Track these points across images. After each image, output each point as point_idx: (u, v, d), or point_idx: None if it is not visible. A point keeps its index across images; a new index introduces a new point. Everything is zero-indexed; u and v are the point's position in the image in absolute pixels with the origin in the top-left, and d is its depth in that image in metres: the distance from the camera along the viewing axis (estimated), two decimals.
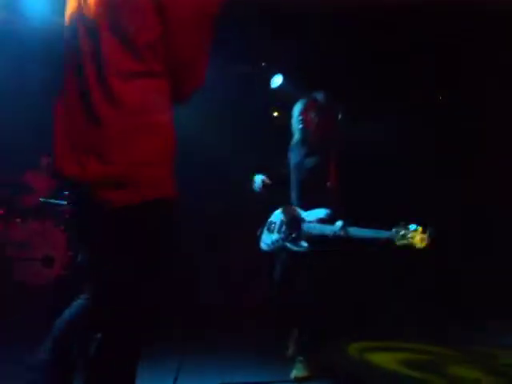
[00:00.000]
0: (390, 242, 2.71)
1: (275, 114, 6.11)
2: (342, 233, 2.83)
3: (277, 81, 5.60)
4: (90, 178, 1.36)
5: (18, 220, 4.89)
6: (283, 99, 5.54)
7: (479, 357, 3.70)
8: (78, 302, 1.88)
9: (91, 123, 1.39)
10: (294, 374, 3.02)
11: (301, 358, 3.05)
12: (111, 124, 1.38)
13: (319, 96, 3.26)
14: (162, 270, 1.43)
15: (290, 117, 3.38)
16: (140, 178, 1.37)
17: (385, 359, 3.56)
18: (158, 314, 1.46)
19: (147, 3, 1.39)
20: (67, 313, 1.89)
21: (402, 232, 2.66)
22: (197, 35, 1.46)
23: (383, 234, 2.74)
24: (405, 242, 2.64)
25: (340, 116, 3.33)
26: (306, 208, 3.12)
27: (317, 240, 2.97)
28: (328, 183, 3.06)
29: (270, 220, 3.34)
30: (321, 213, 3.03)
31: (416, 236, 2.62)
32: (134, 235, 1.38)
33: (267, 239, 3.27)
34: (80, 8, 1.47)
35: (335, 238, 2.86)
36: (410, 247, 2.63)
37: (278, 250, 3.21)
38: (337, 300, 3.77)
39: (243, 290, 5.30)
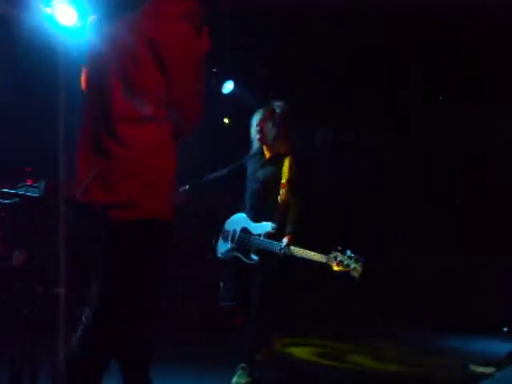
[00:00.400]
0: (326, 266, 2.79)
1: (226, 120, 6.13)
2: (285, 251, 2.88)
3: (228, 87, 5.64)
4: (96, 203, 1.66)
5: None
6: (234, 105, 5.60)
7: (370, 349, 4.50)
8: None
9: (101, 157, 1.67)
10: (235, 381, 2.95)
11: (243, 365, 2.97)
12: (117, 160, 1.65)
13: (278, 105, 3.21)
14: (156, 268, 1.74)
15: (240, 123, 3.41)
16: (139, 204, 1.63)
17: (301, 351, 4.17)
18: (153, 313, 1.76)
19: (148, 57, 1.66)
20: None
21: (339, 258, 2.75)
22: (192, 78, 1.74)
23: (321, 257, 2.82)
24: (340, 268, 2.74)
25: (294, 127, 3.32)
26: (256, 219, 3.11)
27: (266, 254, 2.98)
28: (279, 197, 3.04)
29: (224, 228, 3.32)
30: (267, 226, 3.02)
31: (351, 264, 2.71)
32: (133, 246, 1.66)
33: (221, 247, 3.27)
34: (93, 58, 1.79)
35: (281, 254, 2.90)
36: (345, 273, 2.73)
37: (231, 259, 3.21)
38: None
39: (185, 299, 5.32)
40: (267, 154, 3.22)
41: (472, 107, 5.60)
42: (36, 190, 4.17)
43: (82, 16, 4.56)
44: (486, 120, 5.52)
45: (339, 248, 2.79)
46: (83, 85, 1.90)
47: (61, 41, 4.50)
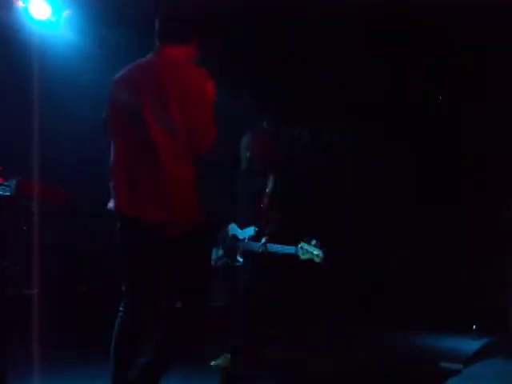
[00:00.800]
0: (296, 256, 3.16)
1: None
2: (262, 249, 3.24)
3: None
4: (154, 220, 2.02)
5: None
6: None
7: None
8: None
9: (155, 184, 2.03)
10: (214, 363, 3.28)
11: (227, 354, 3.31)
12: (169, 187, 2.02)
13: (263, 126, 3.68)
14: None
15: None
16: (184, 220, 2.06)
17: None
18: None
19: (174, 101, 2.01)
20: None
21: (305, 247, 3.11)
22: (207, 112, 2.08)
23: (291, 249, 3.18)
24: (307, 256, 3.10)
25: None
26: (244, 226, 3.44)
27: (249, 255, 3.33)
28: (262, 205, 3.39)
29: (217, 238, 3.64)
30: (251, 230, 3.37)
31: (315, 251, 3.08)
32: (190, 250, 2.10)
33: (214, 255, 3.55)
34: (122, 102, 2.09)
35: (262, 253, 3.25)
36: (312, 261, 3.09)
37: (222, 265, 3.52)
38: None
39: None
40: (256, 170, 3.53)
41: (471, 107, 5.69)
42: (7, 188, 4.09)
43: (55, 10, 4.49)
44: (486, 120, 5.59)
45: (306, 239, 3.14)
46: (111, 129, 2.18)
47: (35, 35, 4.42)
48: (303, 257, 3.10)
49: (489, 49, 4.90)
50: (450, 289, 5.82)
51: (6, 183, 4.12)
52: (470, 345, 4.54)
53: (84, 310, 4.46)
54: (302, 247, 3.13)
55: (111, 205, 2.15)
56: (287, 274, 4.57)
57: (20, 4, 4.33)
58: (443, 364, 3.72)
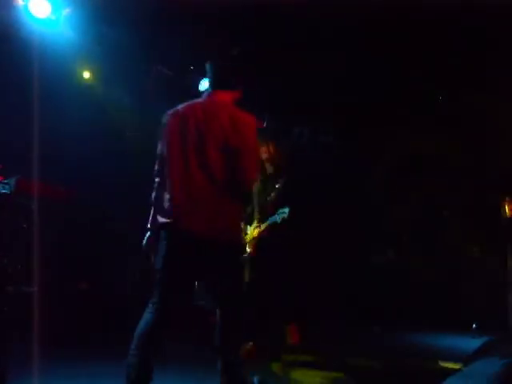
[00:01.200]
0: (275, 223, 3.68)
1: None
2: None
3: (205, 84, 5.62)
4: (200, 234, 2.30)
5: None
6: None
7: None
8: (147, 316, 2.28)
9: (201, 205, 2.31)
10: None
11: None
12: (219, 207, 2.33)
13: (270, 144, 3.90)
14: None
15: None
16: (228, 237, 2.36)
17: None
18: None
19: (216, 147, 2.32)
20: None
21: (280, 211, 3.68)
22: (256, 146, 2.42)
23: (273, 218, 3.71)
24: (280, 217, 3.63)
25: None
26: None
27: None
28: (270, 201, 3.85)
29: None
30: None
31: (279, 212, 3.64)
32: (234, 260, 2.42)
33: None
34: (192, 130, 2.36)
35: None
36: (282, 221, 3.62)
37: None
38: None
39: None
40: (262, 176, 3.84)
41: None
42: (6, 186, 4.09)
43: (55, 8, 4.49)
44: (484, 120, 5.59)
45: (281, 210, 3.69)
46: (168, 155, 2.40)
47: (35, 33, 4.42)
48: (278, 219, 3.65)
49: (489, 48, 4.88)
50: (449, 289, 5.83)
51: (5, 181, 4.12)
52: (470, 343, 4.55)
53: (84, 308, 4.47)
54: (277, 213, 3.69)
55: (162, 219, 2.34)
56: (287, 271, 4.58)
57: (20, 2, 4.32)
58: (443, 362, 3.72)
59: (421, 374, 3.50)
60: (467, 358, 3.77)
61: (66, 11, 4.57)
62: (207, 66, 2.54)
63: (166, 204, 2.33)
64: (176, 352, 3.35)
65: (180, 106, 2.45)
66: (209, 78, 2.53)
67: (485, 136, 5.69)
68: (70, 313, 4.27)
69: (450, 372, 3.36)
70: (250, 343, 3.64)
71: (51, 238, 4.38)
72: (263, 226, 3.79)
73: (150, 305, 2.27)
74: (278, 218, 3.69)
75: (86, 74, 5.44)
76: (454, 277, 5.87)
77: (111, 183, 5.35)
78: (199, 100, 2.49)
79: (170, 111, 2.44)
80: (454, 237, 5.99)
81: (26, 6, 4.32)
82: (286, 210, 3.69)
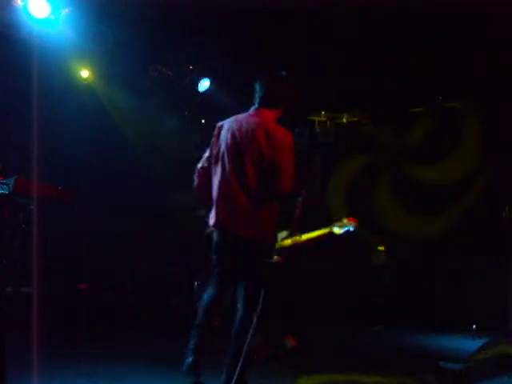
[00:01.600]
0: (331, 234, 3.58)
1: (202, 120, 6.10)
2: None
3: (204, 84, 5.60)
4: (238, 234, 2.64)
5: None
6: (211, 103, 5.57)
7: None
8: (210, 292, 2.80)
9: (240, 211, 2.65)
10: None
11: None
12: (249, 212, 2.63)
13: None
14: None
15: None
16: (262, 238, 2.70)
17: None
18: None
19: (253, 162, 2.61)
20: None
21: (338, 223, 3.54)
22: (291, 159, 2.62)
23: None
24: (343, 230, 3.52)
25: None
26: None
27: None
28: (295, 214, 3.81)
29: None
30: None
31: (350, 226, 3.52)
32: (259, 254, 2.69)
33: None
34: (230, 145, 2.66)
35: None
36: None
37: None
38: None
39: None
40: None
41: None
42: (5, 186, 4.08)
43: (54, 8, 4.48)
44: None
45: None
46: (214, 162, 2.72)
47: (34, 33, 4.41)
48: (339, 231, 3.52)
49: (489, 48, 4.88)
50: (450, 289, 5.82)
51: (4, 181, 4.11)
52: (470, 344, 4.54)
53: (84, 309, 4.46)
54: (334, 224, 3.55)
55: (211, 221, 2.71)
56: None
57: (19, 2, 4.32)
58: (443, 363, 3.71)
59: (420, 375, 3.50)
60: (467, 359, 3.77)
61: (65, 11, 4.57)
62: (256, 85, 2.74)
63: (212, 209, 2.71)
64: (176, 352, 3.34)
65: (227, 120, 2.73)
66: (257, 95, 2.73)
67: None
68: (70, 313, 4.27)
69: (450, 373, 3.35)
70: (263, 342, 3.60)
71: (50, 238, 4.37)
72: (309, 236, 3.71)
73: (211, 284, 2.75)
74: (342, 230, 3.58)
75: (85, 74, 5.44)
76: (453, 277, 5.86)
77: (111, 183, 5.35)
78: (244, 115, 2.73)
79: (218, 123, 2.75)
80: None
81: (25, 6, 4.32)
82: (351, 227, 3.58)
